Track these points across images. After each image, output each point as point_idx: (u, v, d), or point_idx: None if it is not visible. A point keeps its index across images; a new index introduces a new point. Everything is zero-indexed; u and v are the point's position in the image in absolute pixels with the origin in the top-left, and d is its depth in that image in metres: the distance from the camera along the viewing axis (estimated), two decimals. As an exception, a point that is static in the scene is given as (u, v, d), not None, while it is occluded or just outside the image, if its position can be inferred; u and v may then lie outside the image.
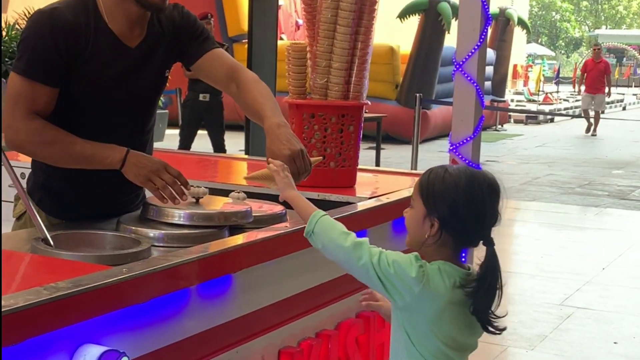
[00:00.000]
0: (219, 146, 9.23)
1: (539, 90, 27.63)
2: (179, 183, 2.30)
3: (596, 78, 18.18)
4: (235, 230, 2.34)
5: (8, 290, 1.60)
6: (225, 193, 2.64)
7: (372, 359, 2.63)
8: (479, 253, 1.95)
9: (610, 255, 6.99)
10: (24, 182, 2.40)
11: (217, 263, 2.00)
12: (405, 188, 3.08)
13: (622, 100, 28.88)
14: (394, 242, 2.65)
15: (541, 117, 21.55)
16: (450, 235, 1.88)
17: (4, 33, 9.75)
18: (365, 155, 5.97)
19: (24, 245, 2.11)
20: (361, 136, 3.29)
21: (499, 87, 20.09)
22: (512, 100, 24.13)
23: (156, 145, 2.69)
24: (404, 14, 15.44)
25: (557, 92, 28.47)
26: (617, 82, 35.26)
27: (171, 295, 1.85)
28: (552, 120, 22.23)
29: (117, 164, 2.30)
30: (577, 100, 21.19)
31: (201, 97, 9.00)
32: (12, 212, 2.57)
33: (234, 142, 10.63)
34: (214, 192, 2.65)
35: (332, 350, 2.44)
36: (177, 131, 9.58)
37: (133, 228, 2.26)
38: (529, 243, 7.67)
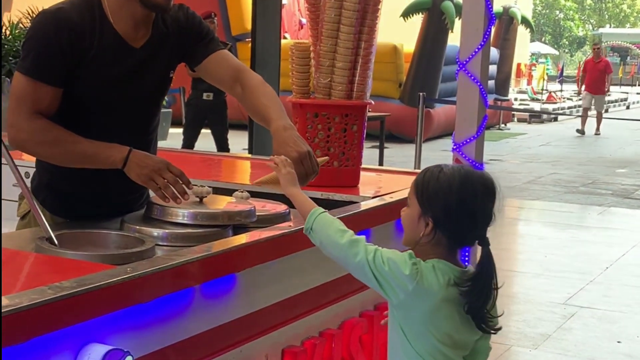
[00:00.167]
0: (222, 145, 9.23)
1: (542, 89, 27.60)
2: (181, 182, 2.30)
3: (596, 78, 18.05)
4: (238, 229, 2.34)
5: (12, 290, 1.60)
6: (228, 192, 2.64)
7: (376, 358, 2.63)
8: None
9: (614, 255, 6.98)
10: (28, 182, 2.41)
11: (220, 262, 2.00)
12: (408, 187, 3.07)
13: (626, 99, 28.87)
14: (397, 241, 2.65)
15: (545, 116, 21.53)
16: (444, 234, 1.89)
17: (7, 32, 9.76)
18: (369, 154, 5.97)
19: (28, 245, 2.11)
20: (365, 135, 3.29)
21: (502, 86, 20.07)
22: (515, 99, 24.11)
23: (160, 144, 2.70)
24: (407, 13, 15.43)
25: (561, 90, 28.43)
26: (621, 81, 35.24)
27: (175, 294, 1.85)
28: (555, 119, 22.21)
29: (119, 164, 2.30)
30: (580, 99, 21.13)
31: (205, 96, 9.00)
32: (17, 211, 2.57)
33: (238, 141, 10.64)
34: (218, 191, 2.65)
35: (335, 350, 2.44)
36: (180, 130, 9.59)
37: (137, 227, 2.26)
38: (533, 242, 7.67)
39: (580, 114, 19.25)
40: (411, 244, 1.94)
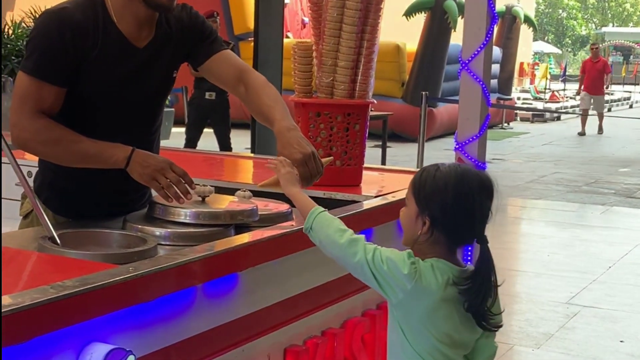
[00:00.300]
0: (225, 144, 9.23)
1: (545, 88, 27.58)
2: (184, 182, 2.30)
3: (595, 78, 17.90)
4: (241, 228, 2.34)
5: (15, 289, 1.60)
6: (231, 192, 2.64)
7: (378, 357, 2.63)
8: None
9: (617, 254, 6.98)
10: (30, 181, 2.41)
11: (223, 262, 2.00)
12: (411, 187, 3.08)
13: (629, 98, 28.84)
14: (399, 241, 2.64)
15: (547, 115, 21.52)
16: (442, 233, 1.89)
17: (10, 31, 9.77)
18: (372, 153, 5.97)
19: (31, 244, 2.11)
20: (367, 134, 3.29)
21: (505, 85, 20.06)
22: (518, 98, 24.10)
23: (162, 143, 2.70)
24: (410, 12, 15.43)
25: (564, 90, 28.41)
26: (624, 80, 35.15)
27: (177, 293, 1.85)
28: (558, 118, 22.19)
29: (121, 163, 2.30)
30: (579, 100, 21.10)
31: (207, 95, 9.00)
32: (19, 210, 2.58)
33: (240, 141, 10.64)
34: (220, 190, 2.65)
35: (337, 349, 2.44)
36: (183, 129, 9.59)
37: (139, 227, 2.26)
38: (535, 241, 7.66)
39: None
40: (410, 243, 1.94)
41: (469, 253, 2.76)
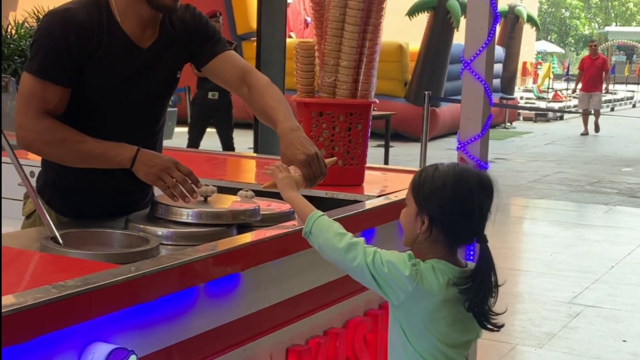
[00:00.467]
0: (227, 144, 9.24)
1: (548, 88, 27.55)
2: (190, 181, 2.30)
3: (594, 75, 17.75)
4: (243, 228, 2.34)
5: (17, 289, 1.61)
6: (233, 191, 2.64)
7: (380, 357, 2.63)
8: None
9: (620, 253, 6.97)
10: (33, 181, 2.41)
11: (225, 261, 2.00)
12: (413, 186, 3.08)
13: (632, 98, 28.80)
14: (401, 241, 2.65)
15: (551, 114, 21.49)
16: (441, 232, 1.89)
17: (12, 31, 9.78)
18: (374, 153, 5.97)
19: (34, 244, 2.12)
20: (369, 134, 3.29)
21: (508, 85, 20.05)
22: (521, 98, 24.07)
23: (165, 143, 2.70)
24: (412, 12, 15.42)
25: (567, 89, 28.38)
26: (627, 79, 35.12)
27: (179, 293, 1.85)
28: (561, 118, 22.17)
29: (127, 163, 2.30)
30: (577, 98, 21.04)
31: (210, 95, 9.00)
32: (22, 210, 2.58)
33: (243, 140, 10.64)
34: (223, 190, 2.65)
35: (340, 349, 2.44)
36: (186, 129, 9.59)
37: (141, 226, 2.26)
38: (538, 241, 7.66)
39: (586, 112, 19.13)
40: (410, 243, 1.94)
41: (472, 253, 2.76)
